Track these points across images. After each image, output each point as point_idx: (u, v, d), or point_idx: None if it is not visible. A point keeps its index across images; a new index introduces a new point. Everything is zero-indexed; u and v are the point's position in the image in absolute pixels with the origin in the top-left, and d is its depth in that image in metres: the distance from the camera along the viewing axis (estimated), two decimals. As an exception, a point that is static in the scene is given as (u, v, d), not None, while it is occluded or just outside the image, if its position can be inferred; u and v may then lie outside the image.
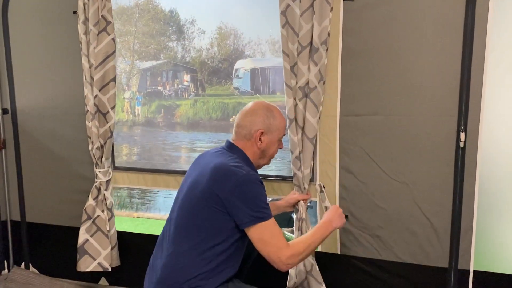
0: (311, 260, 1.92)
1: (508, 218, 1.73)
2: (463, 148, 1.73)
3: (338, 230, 1.95)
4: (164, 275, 1.51)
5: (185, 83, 2.34)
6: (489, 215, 1.75)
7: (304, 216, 1.90)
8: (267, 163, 1.70)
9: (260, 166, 1.69)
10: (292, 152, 1.89)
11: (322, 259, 2.00)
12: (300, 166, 1.88)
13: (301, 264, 1.91)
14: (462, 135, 1.71)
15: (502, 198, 1.72)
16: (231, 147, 1.62)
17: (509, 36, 1.64)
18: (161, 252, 1.57)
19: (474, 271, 1.79)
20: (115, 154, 2.41)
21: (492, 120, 1.69)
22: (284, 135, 1.70)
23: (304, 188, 1.91)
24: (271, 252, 1.44)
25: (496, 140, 1.71)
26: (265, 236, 1.45)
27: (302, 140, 1.87)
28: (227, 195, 1.45)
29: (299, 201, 1.91)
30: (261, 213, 1.45)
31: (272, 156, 1.69)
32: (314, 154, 1.93)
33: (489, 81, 1.67)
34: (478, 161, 1.72)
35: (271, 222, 1.46)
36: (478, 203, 1.74)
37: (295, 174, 1.91)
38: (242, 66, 2.23)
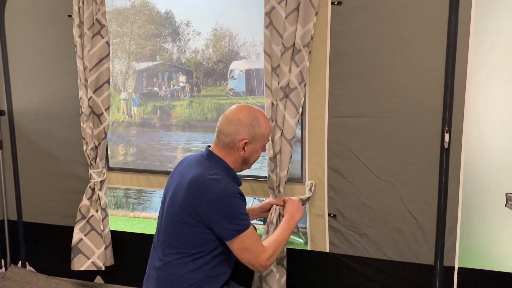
0: (273, 268, 1.92)
1: (491, 216, 1.76)
2: (448, 149, 1.76)
3: (327, 230, 1.99)
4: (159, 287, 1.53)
5: (181, 84, 2.37)
6: (473, 213, 1.78)
7: (274, 221, 1.89)
8: (249, 168, 1.67)
9: (241, 171, 1.65)
10: (267, 154, 1.86)
11: (312, 257, 2.04)
12: (275, 168, 1.87)
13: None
14: (446, 135, 1.75)
15: (486, 197, 1.76)
16: (210, 156, 1.56)
17: (491, 40, 1.67)
18: (153, 263, 1.58)
19: (459, 268, 1.83)
20: (111, 154, 2.44)
21: (475, 121, 1.73)
22: (269, 140, 1.65)
23: (279, 192, 1.90)
24: (251, 258, 1.47)
25: (479, 140, 1.75)
26: (246, 245, 1.46)
27: (280, 142, 1.85)
28: (205, 210, 1.43)
29: (272, 205, 1.90)
30: (240, 225, 1.44)
31: (255, 162, 1.65)
32: (303, 155, 1.96)
33: (472, 84, 1.71)
34: (462, 161, 1.76)
35: (250, 230, 1.47)
36: (463, 202, 1.78)
37: (269, 176, 1.89)
38: (237, 67, 2.25)
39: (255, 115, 1.56)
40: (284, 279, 1.95)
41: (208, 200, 1.42)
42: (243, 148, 1.55)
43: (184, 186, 1.48)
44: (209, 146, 1.61)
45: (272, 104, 1.86)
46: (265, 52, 1.84)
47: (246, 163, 1.62)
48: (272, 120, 1.86)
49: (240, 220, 1.45)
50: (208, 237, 1.47)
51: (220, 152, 1.57)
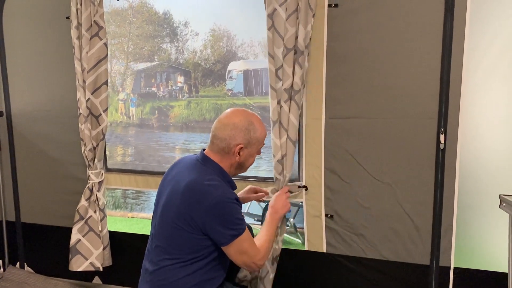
0: (268, 267, 1.94)
1: (486, 217, 1.78)
2: (443, 150, 1.78)
3: (324, 230, 2.00)
4: None
5: (179, 85, 2.37)
6: (468, 214, 1.80)
7: None
8: (244, 172, 1.66)
9: (236, 175, 1.65)
10: (274, 156, 1.86)
11: (309, 257, 2.05)
12: (283, 170, 1.88)
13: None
14: (442, 137, 1.76)
15: (481, 197, 1.77)
16: (205, 160, 1.55)
17: (485, 43, 1.69)
18: (147, 267, 1.58)
19: (455, 268, 1.84)
20: (109, 155, 2.44)
21: (470, 122, 1.75)
22: (264, 144, 1.64)
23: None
24: (247, 260, 1.48)
25: (474, 141, 1.76)
26: (242, 248, 1.46)
27: (286, 143, 1.86)
28: (202, 217, 1.42)
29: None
30: (237, 230, 1.44)
31: (250, 166, 1.64)
32: (300, 156, 1.97)
33: (468, 85, 1.72)
34: (457, 161, 1.77)
35: (246, 233, 1.47)
36: (458, 202, 1.79)
37: (276, 179, 1.90)
38: (235, 67, 2.26)
39: (250, 119, 1.55)
40: (272, 276, 1.97)
41: (205, 207, 1.41)
42: (239, 153, 1.54)
43: (180, 191, 1.46)
44: (204, 150, 1.60)
45: (278, 105, 1.86)
46: (269, 54, 1.84)
47: (242, 167, 1.61)
48: (276, 122, 1.85)
49: (236, 225, 1.45)
50: (203, 243, 1.46)
51: (215, 156, 1.55)
